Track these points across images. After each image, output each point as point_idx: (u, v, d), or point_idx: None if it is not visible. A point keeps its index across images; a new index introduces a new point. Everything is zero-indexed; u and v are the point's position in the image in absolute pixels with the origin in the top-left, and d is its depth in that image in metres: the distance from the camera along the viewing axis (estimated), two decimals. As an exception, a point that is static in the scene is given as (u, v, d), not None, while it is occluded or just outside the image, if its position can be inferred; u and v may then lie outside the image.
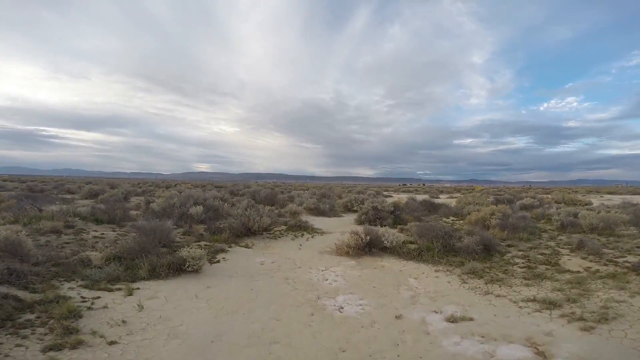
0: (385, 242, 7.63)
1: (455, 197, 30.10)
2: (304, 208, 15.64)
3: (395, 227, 11.02)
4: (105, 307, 4.36)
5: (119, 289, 5.04)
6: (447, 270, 6.84)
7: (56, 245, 7.15)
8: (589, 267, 6.58)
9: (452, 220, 13.90)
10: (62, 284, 4.97)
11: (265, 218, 9.25)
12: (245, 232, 9.33)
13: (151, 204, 13.19)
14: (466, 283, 6.13)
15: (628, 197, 26.31)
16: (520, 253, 7.89)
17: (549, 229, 11.04)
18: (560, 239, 9.35)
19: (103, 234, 9.06)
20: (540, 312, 4.76)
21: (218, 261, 7.24)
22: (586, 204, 18.98)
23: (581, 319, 4.37)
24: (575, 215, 11.48)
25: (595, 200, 22.43)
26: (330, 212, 15.83)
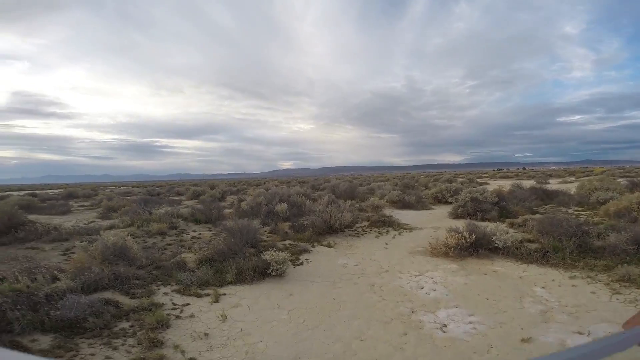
0: (497, 241, 6.23)
1: (570, 182, 25.06)
2: (387, 201, 14.61)
3: (503, 222, 9.26)
4: (192, 316, 4.31)
5: (207, 295, 5.03)
6: (588, 277, 5.23)
7: (160, 247, 7.78)
8: None
9: (575, 210, 11.25)
10: (159, 289, 5.18)
11: (346, 214, 8.66)
12: (327, 230, 8.90)
13: (242, 202, 13.94)
14: (619, 294, 4.58)
15: None
16: (697, 254, 5.73)
17: None
18: None
19: (200, 234, 9.68)
20: None
21: (301, 263, 6.93)
22: None
23: None
24: None
25: None
26: (418, 205, 14.47)
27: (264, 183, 44.28)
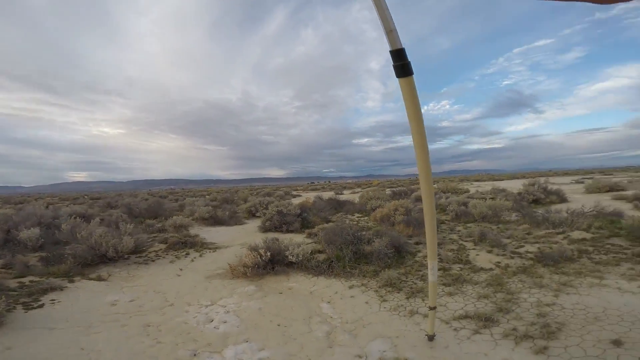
0: (290, 256, 6.20)
1: (357, 192, 31.04)
2: (196, 218, 13.24)
3: (304, 232, 9.81)
4: None
5: None
6: (362, 285, 5.55)
7: None
8: (499, 262, 6.21)
9: (357, 217, 13.49)
10: None
11: (126, 238, 6.84)
12: (100, 260, 6.78)
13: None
14: (386, 301, 4.89)
15: (496, 184, 30.96)
16: (430, 251, 7.47)
17: (446, 220, 11.12)
18: (459, 230, 9.24)
19: None
20: (479, 333, 3.79)
21: (42, 305, 4.82)
22: (465, 192, 21.31)
23: (527, 336, 3.63)
24: (465, 205, 12.14)
25: (471, 188, 25.50)
26: (231, 220, 13.82)
27: (36, 200, 32.79)
